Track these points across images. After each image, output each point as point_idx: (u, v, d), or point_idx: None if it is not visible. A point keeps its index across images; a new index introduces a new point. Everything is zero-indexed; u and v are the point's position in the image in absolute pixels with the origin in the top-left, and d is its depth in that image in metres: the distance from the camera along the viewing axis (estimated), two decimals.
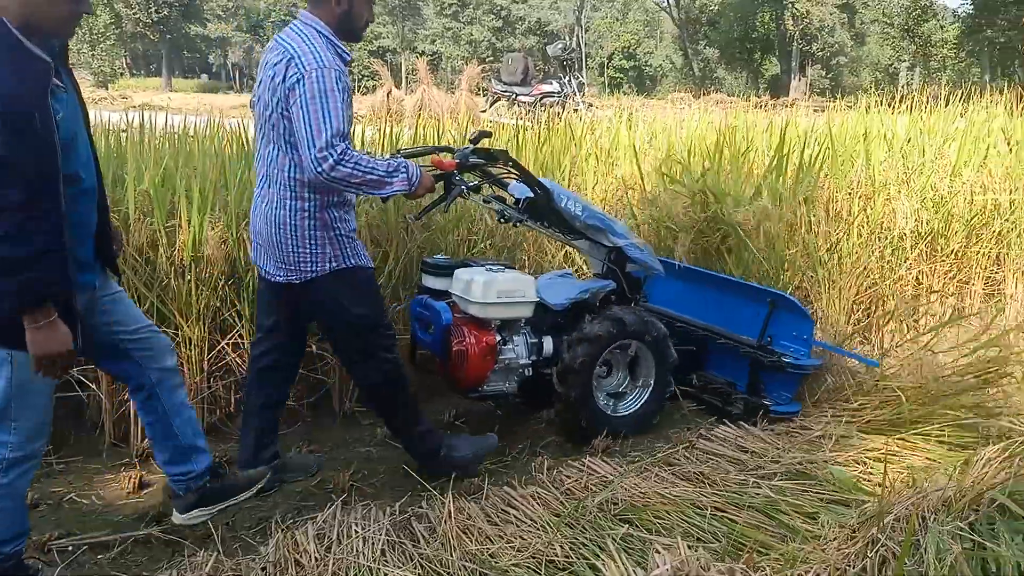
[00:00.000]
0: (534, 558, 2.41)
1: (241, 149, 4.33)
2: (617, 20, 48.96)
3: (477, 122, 9.50)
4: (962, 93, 7.87)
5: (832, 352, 3.84)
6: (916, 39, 37.16)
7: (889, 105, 7.89)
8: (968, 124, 6.67)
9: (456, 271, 3.33)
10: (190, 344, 3.39)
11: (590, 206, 3.54)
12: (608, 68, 43.42)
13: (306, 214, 2.73)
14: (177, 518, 2.75)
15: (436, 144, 3.97)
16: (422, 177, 2.83)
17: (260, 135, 2.82)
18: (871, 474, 3.01)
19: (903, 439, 3.24)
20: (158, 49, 43.33)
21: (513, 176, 3.36)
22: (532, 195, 3.35)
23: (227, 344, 3.52)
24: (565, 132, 5.93)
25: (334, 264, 2.79)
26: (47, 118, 2.02)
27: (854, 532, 2.19)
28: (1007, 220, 5.59)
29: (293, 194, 2.72)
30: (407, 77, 20.39)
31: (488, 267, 3.33)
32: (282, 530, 2.53)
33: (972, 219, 5.44)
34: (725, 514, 2.68)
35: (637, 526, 2.60)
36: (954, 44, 35.70)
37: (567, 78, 14.01)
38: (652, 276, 3.80)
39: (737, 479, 2.95)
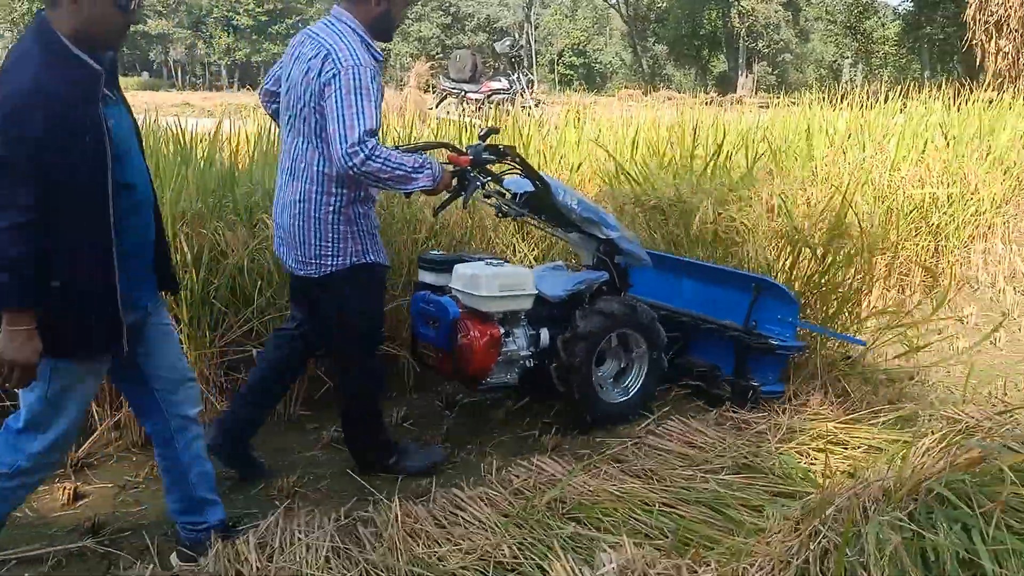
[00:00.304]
0: (482, 560, 2.39)
1: (178, 148, 4.22)
2: (566, 17, 49.11)
3: (425, 119, 9.42)
4: (901, 89, 8.06)
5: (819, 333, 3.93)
6: (858, 36, 37.98)
7: (831, 102, 8.04)
8: (907, 119, 6.83)
9: (455, 266, 3.36)
10: None
11: (584, 200, 3.57)
12: (558, 65, 43.53)
13: (331, 208, 2.77)
14: (176, 561, 2.51)
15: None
16: (443, 173, 2.88)
17: (287, 128, 2.84)
18: (815, 464, 3.05)
19: (847, 427, 3.29)
20: None
21: (516, 172, 3.37)
22: (532, 190, 3.38)
23: None
24: (513, 129, 5.90)
25: (354, 259, 2.84)
26: (94, 124, 2.00)
27: (797, 524, 2.20)
28: (944, 213, 5.73)
29: (321, 188, 2.76)
30: None
31: (487, 261, 3.36)
32: (222, 539, 2.46)
33: (911, 212, 5.56)
34: (673, 510, 2.69)
35: (585, 524, 2.59)
36: (895, 41, 36.52)
37: (516, 75, 13.96)
38: (641, 267, 3.82)
39: (685, 474, 2.95)
